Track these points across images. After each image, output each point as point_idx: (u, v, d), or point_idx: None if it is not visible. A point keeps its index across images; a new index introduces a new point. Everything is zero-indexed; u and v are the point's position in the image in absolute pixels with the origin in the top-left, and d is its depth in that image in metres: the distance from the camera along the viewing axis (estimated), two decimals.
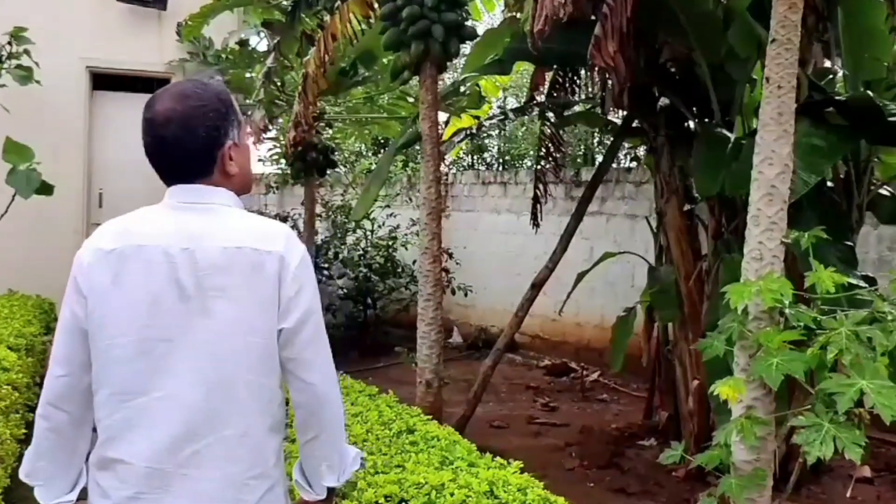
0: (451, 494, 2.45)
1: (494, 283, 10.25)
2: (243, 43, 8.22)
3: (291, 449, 2.63)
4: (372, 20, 5.73)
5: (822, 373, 2.82)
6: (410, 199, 10.85)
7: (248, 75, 8.10)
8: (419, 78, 5.63)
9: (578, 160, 11.15)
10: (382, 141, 11.88)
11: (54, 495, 1.80)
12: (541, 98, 7.29)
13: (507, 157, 13.14)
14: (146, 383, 1.65)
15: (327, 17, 6.41)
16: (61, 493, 1.81)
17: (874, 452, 5.67)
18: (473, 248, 10.75)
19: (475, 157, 13.55)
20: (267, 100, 7.37)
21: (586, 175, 8.72)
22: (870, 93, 4.76)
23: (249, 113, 8.26)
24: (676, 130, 5.69)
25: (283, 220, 10.35)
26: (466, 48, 6.90)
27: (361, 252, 10.17)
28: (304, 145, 7.63)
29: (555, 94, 6.97)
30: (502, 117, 7.55)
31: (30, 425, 2.97)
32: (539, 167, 7.41)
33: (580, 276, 6.69)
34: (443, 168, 10.80)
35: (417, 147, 7.10)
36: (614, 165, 8.50)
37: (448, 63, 6.03)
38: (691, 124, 5.66)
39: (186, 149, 1.71)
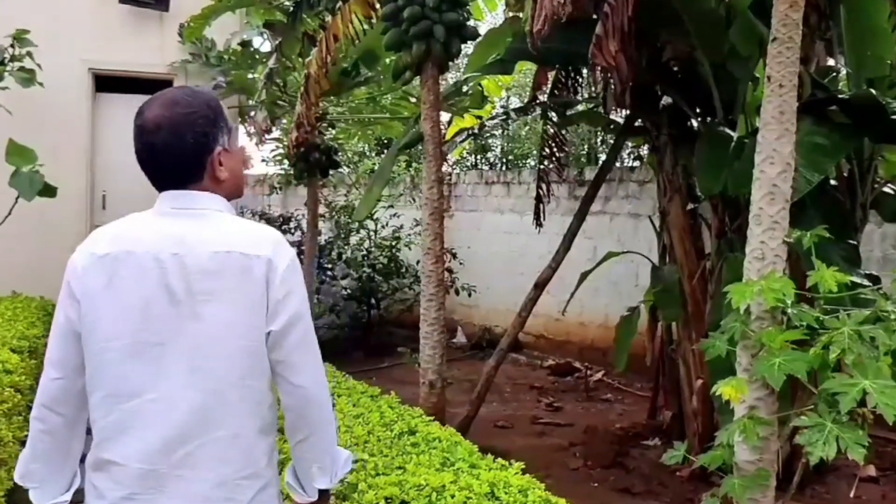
0: (452, 496, 2.44)
1: (498, 282, 10.25)
2: (245, 44, 8.22)
3: (288, 450, 2.62)
4: (374, 20, 5.72)
5: (824, 373, 2.81)
6: (414, 200, 10.85)
7: (250, 76, 8.10)
8: (421, 78, 5.62)
9: (582, 159, 11.14)
10: (386, 141, 11.88)
11: (49, 497, 1.83)
12: (543, 97, 7.28)
13: (510, 157, 13.13)
14: (139, 386, 1.69)
15: (329, 18, 6.41)
16: (56, 494, 1.84)
17: (879, 451, 5.65)
18: (477, 248, 10.75)
19: (479, 157, 13.54)
20: (269, 101, 7.38)
21: (590, 174, 8.71)
22: (873, 91, 4.75)
23: (252, 114, 8.27)
24: (679, 129, 5.68)
25: (287, 220, 10.37)
26: (469, 48, 6.89)
27: (365, 252, 10.17)
28: (307, 146, 7.63)
29: (557, 94, 6.96)
30: (505, 117, 7.54)
31: None
32: (542, 167, 7.40)
33: (584, 276, 6.68)
34: (446, 168, 10.83)
35: (420, 147, 7.10)
36: (618, 164, 8.50)
37: (451, 63, 6.02)
38: (694, 123, 5.65)
39: (176, 155, 1.74)
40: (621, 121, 6.55)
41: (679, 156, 5.59)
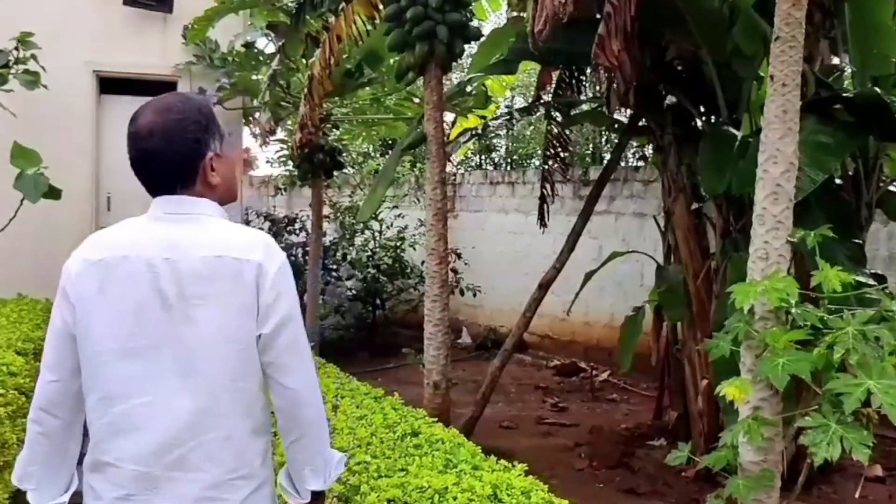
0: (455, 498, 2.43)
1: (503, 283, 10.24)
2: (249, 45, 8.21)
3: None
4: (377, 21, 5.72)
5: (828, 373, 2.79)
6: (418, 200, 10.84)
7: (254, 78, 8.10)
8: (424, 79, 5.62)
9: (586, 159, 11.13)
10: (390, 142, 11.88)
11: (47, 499, 1.84)
12: (547, 97, 7.28)
13: (514, 157, 13.12)
14: (133, 389, 1.71)
15: (332, 19, 6.40)
16: (54, 496, 1.85)
17: (885, 451, 5.63)
18: (481, 249, 10.75)
19: (483, 157, 13.54)
20: (273, 102, 7.38)
21: (594, 174, 8.69)
22: (877, 89, 4.72)
23: (256, 115, 8.27)
24: (683, 129, 5.67)
25: (292, 221, 10.39)
26: (473, 48, 6.89)
27: (370, 253, 10.18)
28: (311, 147, 7.62)
29: (561, 94, 6.95)
30: (509, 117, 7.53)
31: None
32: (546, 166, 7.39)
33: (588, 276, 6.67)
34: (450, 168, 10.83)
35: (424, 147, 7.10)
36: (622, 164, 8.49)
37: (454, 63, 6.02)
38: (698, 122, 5.63)
39: (168, 161, 1.77)
40: (625, 120, 6.54)
41: (683, 155, 5.58)
